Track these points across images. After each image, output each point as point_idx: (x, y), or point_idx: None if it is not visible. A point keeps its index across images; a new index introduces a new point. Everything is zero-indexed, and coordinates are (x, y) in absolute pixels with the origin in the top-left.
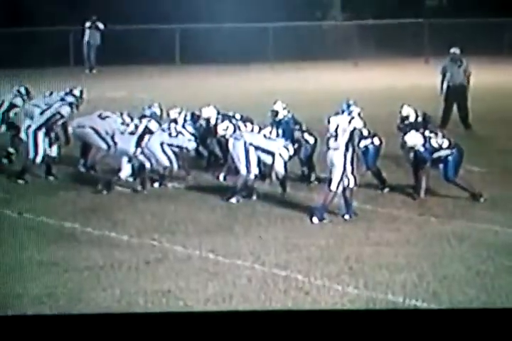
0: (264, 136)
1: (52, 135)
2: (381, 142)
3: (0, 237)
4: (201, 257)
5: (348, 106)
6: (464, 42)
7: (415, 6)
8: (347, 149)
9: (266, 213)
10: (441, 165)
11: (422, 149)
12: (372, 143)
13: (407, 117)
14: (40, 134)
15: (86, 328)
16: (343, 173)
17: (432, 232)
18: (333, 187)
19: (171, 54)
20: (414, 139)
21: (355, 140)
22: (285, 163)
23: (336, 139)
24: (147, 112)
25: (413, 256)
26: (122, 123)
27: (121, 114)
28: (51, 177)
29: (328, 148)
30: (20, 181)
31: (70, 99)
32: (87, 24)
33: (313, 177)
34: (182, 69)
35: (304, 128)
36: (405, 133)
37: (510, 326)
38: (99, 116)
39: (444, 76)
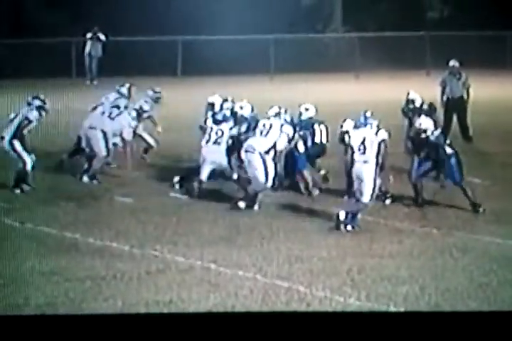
0: (261, 132)
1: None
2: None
3: (1, 246)
4: (203, 268)
5: (365, 118)
6: (466, 55)
7: (417, 18)
8: (377, 161)
9: (268, 224)
10: (445, 170)
11: (435, 134)
12: None
13: (412, 101)
14: (16, 142)
15: (84, 329)
16: (375, 185)
17: (435, 245)
18: (366, 199)
19: (172, 65)
20: (426, 123)
21: (383, 152)
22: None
23: (364, 152)
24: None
25: (415, 268)
26: (133, 119)
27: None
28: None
29: (353, 161)
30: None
31: (36, 102)
32: (89, 35)
33: (316, 190)
34: (183, 80)
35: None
36: (409, 119)
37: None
38: (109, 116)
39: (443, 89)
